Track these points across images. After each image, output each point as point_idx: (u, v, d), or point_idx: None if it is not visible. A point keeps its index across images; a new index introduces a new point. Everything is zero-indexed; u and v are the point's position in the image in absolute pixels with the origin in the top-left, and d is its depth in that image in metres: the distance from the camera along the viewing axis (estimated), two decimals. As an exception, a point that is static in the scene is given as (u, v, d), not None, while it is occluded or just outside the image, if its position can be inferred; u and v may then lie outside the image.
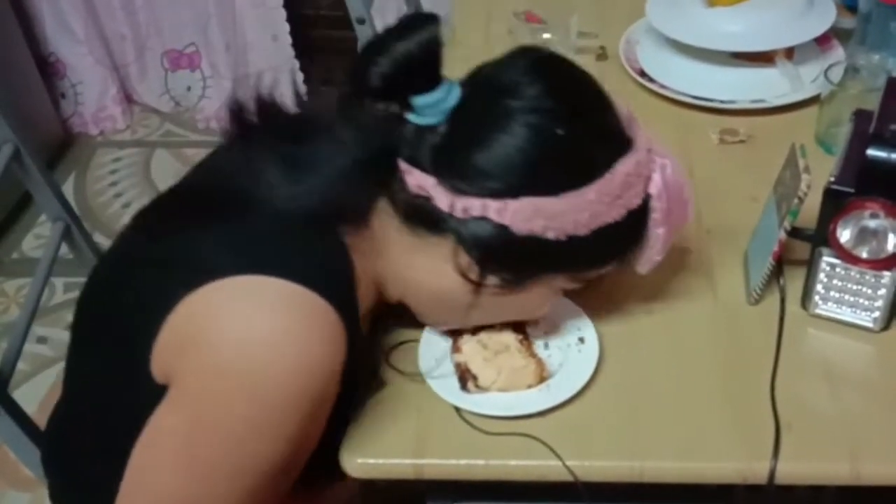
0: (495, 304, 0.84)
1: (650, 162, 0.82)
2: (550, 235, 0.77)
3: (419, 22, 0.76)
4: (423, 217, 0.79)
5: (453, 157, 0.78)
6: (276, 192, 0.78)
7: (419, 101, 0.76)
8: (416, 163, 0.78)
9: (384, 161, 0.79)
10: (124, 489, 0.80)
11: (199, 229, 0.79)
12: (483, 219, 0.77)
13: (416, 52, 0.75)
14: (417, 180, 0.78)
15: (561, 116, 0.78)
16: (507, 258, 0.80)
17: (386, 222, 0.82)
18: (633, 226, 0.82)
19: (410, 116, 0.78)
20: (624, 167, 0.79)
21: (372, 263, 0.83)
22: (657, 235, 0.84)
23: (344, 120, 0.80)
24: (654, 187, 0.82)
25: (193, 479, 0.77)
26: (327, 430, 0.85)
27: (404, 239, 0.81)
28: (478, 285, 0.81)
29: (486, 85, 0.80)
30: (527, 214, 0.76)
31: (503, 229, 0.77)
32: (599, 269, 0.85)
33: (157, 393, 0.78)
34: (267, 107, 0.82)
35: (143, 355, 0.79)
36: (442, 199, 0.77)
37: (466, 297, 0.82)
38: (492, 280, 0.80)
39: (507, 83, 0.79)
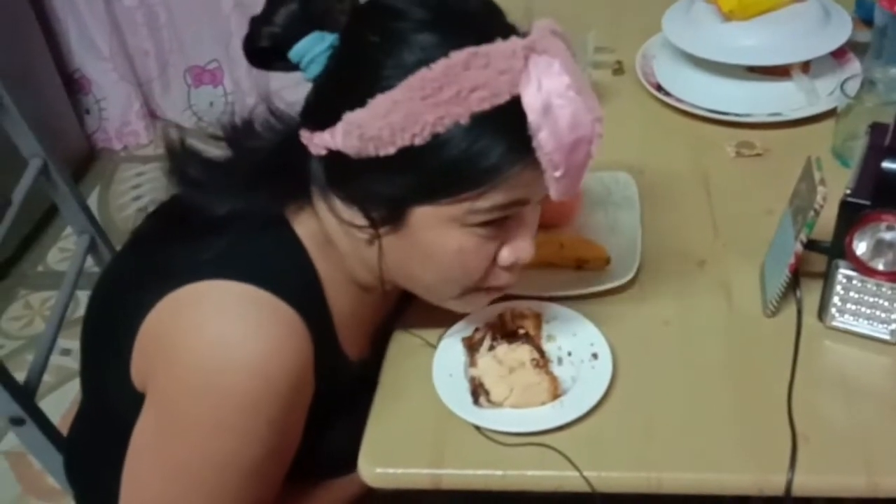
0: (412, 255, 0.81)
1: (514, 58, 0.72)
2: (371, 150, 0.74)
3: None
4: (320, 178, 0.81)
5: (309, 101, 0.80)
6: (219, 196, 0.81)
7: (292, 53, 0.78)
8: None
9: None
10: (121, 497, 0.83)
11: (173, 241, 0.83)
12: (329, 153, 0.77)
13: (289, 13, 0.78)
14: (304, 139, 0.79)
15: (376, 21, 0.76)
16: (361, 189, 0.78)
17: (323, 204, 0.83)
18: (491, 134, 0.74)
19: (305, 76, 0.79)
20: (447, 61, 0.71)
21: (338, 259, 0.85)
22: (540, 145, 0.74)
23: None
24: (526, 86, 0.73)
25: (175, 482, 0.80)
26: (329, 431, 0.87)
27: (333, 214, 0.83)
28: (359, 228, 0.80)
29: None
30: (345, 132, 0.74)
31: (340, 156, 0.76)
32: (475, 189, 0.76)
33: (139, 401, 0.82)
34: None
35: (125, 364, 0.83)
36: (311, 148, 0.78)
37: (370, 252, 0.82)
38: (362, 221, 0.79)
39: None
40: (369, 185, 0.78)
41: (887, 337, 0.90)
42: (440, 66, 0.72)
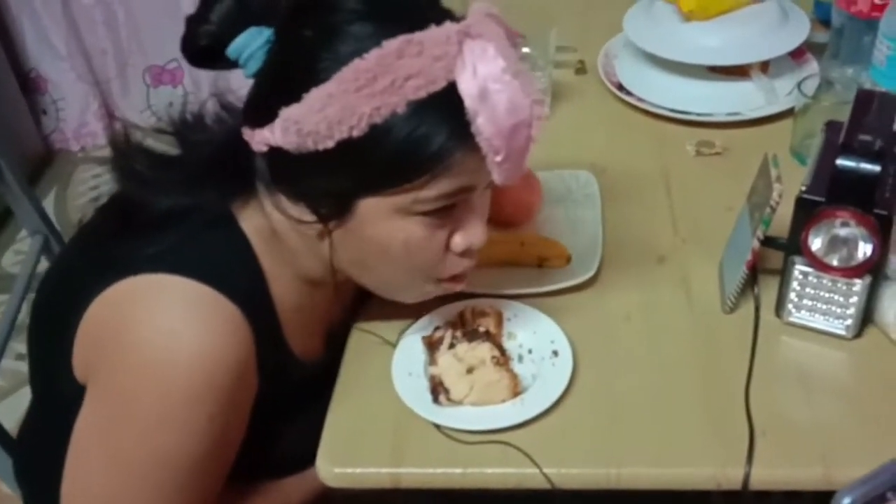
0: (363, 249, 0.81)
1: (448, 44, 0.72)
2: (310, 144, 0.73)
3: None
4: (265, 175, 0.80)
5: (249, 98, 0.80)
6: (162, 193, 0.81)
7: (229, 51, 0.78)
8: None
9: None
10: (63, 493, 0.82)
11: (118, 235, 0.83)
12: (271, 149, 0.76)
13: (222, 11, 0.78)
14: (246, 136, 0.79)
15: (310, 15, 0.75)
16: (305, 184, 0.78)
17: (269, 200, 0.83)
18: (430, 122, 0.73)
19: (245, 73, 0.79)
20: (380, 51, 0.71)
21: (286, 254, 0.85)
22: (479, 131, 0.73)
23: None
24: (461, 72, 0.72)
25: (117, 475, 0.80)
26: (283, 431, 0.87)
27: (279, 211, 0.82)
28: (307, 224, 0.79)
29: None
30: (283, 129, 0.74)
31: (282, 153, 0.75)
32: (419, 178, 0.75)
33: (81, 395, 0.82)
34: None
35: (67, 358, 0.82)
36: (253, 145, 0.78)
37: (321, 246, 0.81)
38: (311, 217, 0.79)
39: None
40: (312, 181, 0.77)
41: (843, 332, 0.91)
42: (373, 56, 0.71)
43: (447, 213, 0.80)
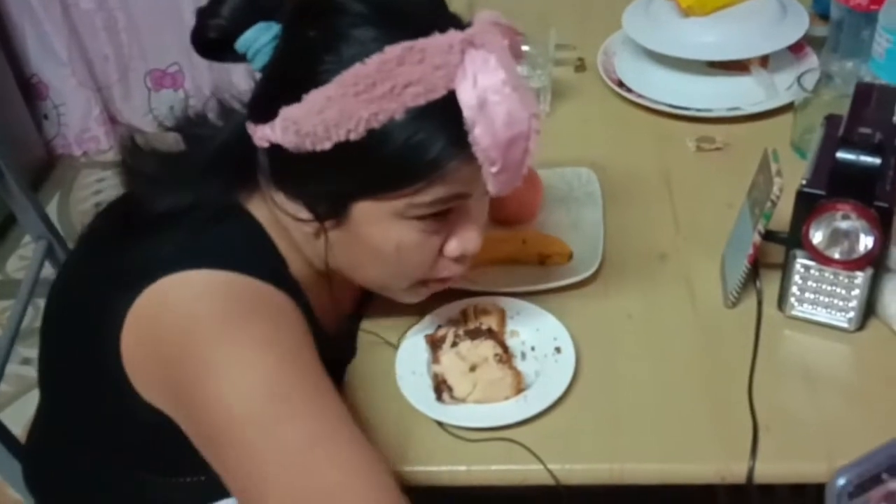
0: (357, 249, 0.81)
1: (450, 52, 0.72)
2: (308, 145, 0.73)
3: None
4: (266, 170, 0.80)
5: (253, 93, 0.80)
6: (168, 194, 0.80)
7: (238, 44, 0.78)
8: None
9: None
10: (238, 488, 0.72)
11: (133, 237, 0.80)
12: (271, 146, 0.76)
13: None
14: (250, 130, 0.79)
15: (316, 15, 0.75)
16: (302, 183, 0.78)
17: (270, 194, 0.82)
18: (428, 129, 0.73)
19: (252, 67, 0.79)
20: (381, 56, 0.71)
21: (294, 241, 0.84)
22: (476, 141, 0.74)
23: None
24: (462, 82, 0.72)
25: (309, 450, 0.71)
26: None
27: (277, 207, 0.82)
28: (303, 221, 0.80)
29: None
30: (283, 127, 0.74)
31: (281, 150, 0.75)
32: (414, 184, 0.75)
33: (138, 406, 0.78)
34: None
35: (112, 370, 0.78)
36: (255, 140, 0.78)
37: (318, 243, 0.82)
38: (306, 215, 0.79)
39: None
40: (309, 180, 0.78)
41: (845, 325, 0.91)
42: (374, 61, 0.71)
43: (442, 218, 0.80)
